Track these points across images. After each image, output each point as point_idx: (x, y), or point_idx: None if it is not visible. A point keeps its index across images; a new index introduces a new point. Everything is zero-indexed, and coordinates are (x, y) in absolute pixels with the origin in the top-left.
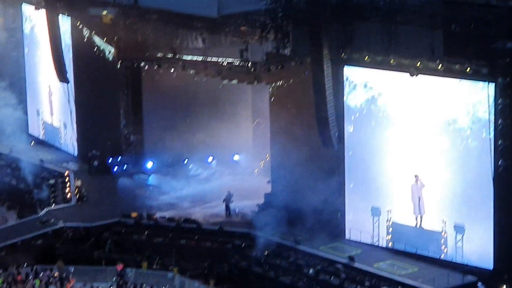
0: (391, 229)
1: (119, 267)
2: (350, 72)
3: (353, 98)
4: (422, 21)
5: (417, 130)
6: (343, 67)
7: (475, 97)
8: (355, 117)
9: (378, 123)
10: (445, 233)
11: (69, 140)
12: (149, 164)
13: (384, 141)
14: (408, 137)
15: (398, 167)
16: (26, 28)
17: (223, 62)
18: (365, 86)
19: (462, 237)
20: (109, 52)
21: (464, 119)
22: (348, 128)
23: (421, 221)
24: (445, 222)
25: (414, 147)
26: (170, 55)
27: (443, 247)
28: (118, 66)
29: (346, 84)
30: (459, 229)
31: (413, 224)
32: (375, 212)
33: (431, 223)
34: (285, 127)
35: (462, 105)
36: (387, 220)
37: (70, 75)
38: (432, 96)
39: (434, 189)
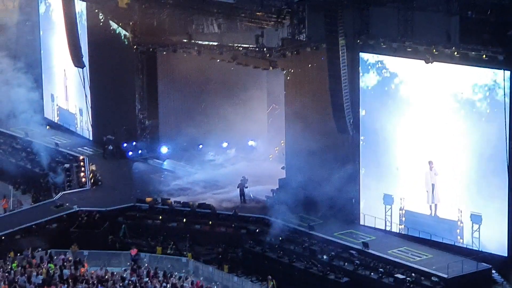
0: (404, 218)
1: (133, 251)
2: (365, 56)
3: (366, 81)
4: (438, 7)
5: (432, 116)
6: (359, 53)
7: (492, 82)
8: (368, 101)
9: (392, 108)
10: (461, 222)
11: (84, 125)
12: (164, 149)
13: (398, 127)
14: (422, 123)
15: (413, 153)
16: (42, 11)
17: (238, 47)
18: (379, 69)
19: (479, 227)
20: (125, 36)
21: (481, 104)
22: (361, 112)
23: (435, 209)
24: (461, 211)
25: (429, 133)
26: (185, 40)
27: (458, 237)
28: (134, 50)
29: (360, 68)
30: (476, 218)
31: (428, 213)
32: (388, 200)
33: (445, 212)
34: (300, 113)
35: (479, 90)
36: (400, 209)
37: (85, 59)
38: (447, 80)
39: (449, 176)
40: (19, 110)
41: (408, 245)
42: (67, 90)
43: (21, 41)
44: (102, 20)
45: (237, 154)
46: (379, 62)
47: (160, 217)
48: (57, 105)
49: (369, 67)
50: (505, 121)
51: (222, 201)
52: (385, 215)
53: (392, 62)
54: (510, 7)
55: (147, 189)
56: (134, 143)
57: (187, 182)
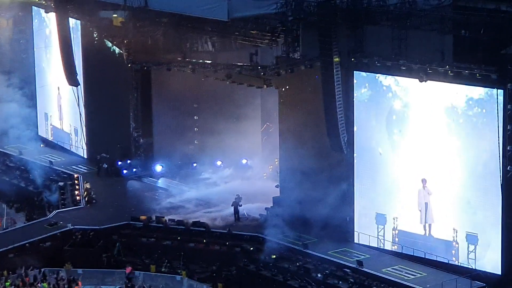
0: (397, 238)
1: (128, 270)
2: (359, 75)
3: (360, 98)
4: (432, 26)
5: (426, 134)
6: (353, 71)
7: (486, 100)
8: (362, 118)
9: (386, 125)
10: (456, 243)
11: (78, 143)
12: (158, 167)
13: (392, 145)
14: (416, 141)
15: (406, 171)
16: (36, 30)
17: (232, 65)
18: (374, 87)
19: (475, 247)
20: (119, 55)
21: (475, 122)
22: (354, 129)
23: (429, 229)
24: (456, 231)
25: (423, 151)
26: (180, 58)
27: (453, 258)
28: (128, 69)
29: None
30: (471, 238)
31: (422, 233)
32: (380, 219)
33: (440, 231)
34: (294, 131)
35: (472, 108)
36: (394, 229)
37: (80, 77)
38: (441, 98)
39: (443, 194)
40: (13, 128)
41: (402, 264)
42: (61, 109)
43: (15, 59)
44: (96, 38)
45: (232, 173)
46: (373, 78)
47: (155, 235)
48: (51, 124)
49: (364, 83)
50: (498, 139)
51: (215, 219)
52: (378, 234)
53: (387, 79)
54: (503, 26)
55: (141, 207)
56: (128, 161)
57: (180, 200)
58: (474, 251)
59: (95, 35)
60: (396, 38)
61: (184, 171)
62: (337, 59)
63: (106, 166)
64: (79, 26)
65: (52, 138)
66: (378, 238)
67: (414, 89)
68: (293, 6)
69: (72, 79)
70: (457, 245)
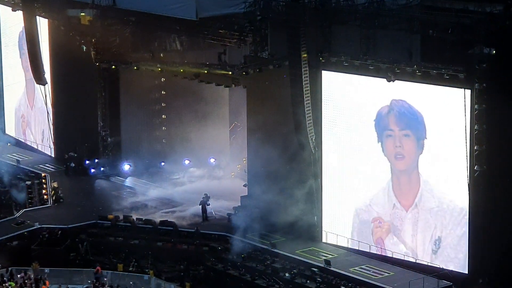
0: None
1: (96, 269)
2: (328, 75)
3: (328, 99)
4: (400, 26)
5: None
6: (321, 71)
7: (452, 102)
8: (330, 119)
9: (354, 124)
10: (423, 242)
11: (46, 142)
12: (126, 166)
13: (360, 144)
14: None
15: (374, 170)
16: (4, 28)
17: (201, 64)
18: (341, 86)
19: (442, 247)
20: (87, 53)
21: (442, 123)
22: (322, 128)
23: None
24: (423, 231)
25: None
26: (148, 57)
27: (421, 258)
28: (96, 68)
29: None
30: (438, 238)
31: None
32: (350, 217)
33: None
34: (262, 130)
35: (440, 108)
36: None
37: (48, 76)
38: (408, 98)
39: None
40: None
41: (370, 263)
42: (28, 108)
43: None
44: (64, 37)
45: (199, 172)
46: (341, 78)
47: (122, 234)
48: (20, 121)
49: (332, 82)
50: (465, 140)
51: (184, 218)
52: (345, 231)
53: (355, 78)
54: (471, 26)
55: (109, 206)
56: (96, 160)
57: (145, 200)
58: (441, 250)
59: (63, 34)
60: (364, 38)
61: (152, 170)
62: (305, 55)
63: (73, 165)
64: (47, 25)
65: (19, 137)
66: (345, 237)
67: (382, 88)
68: (261, 6)
69: (39, 78)
70: (424, 245)
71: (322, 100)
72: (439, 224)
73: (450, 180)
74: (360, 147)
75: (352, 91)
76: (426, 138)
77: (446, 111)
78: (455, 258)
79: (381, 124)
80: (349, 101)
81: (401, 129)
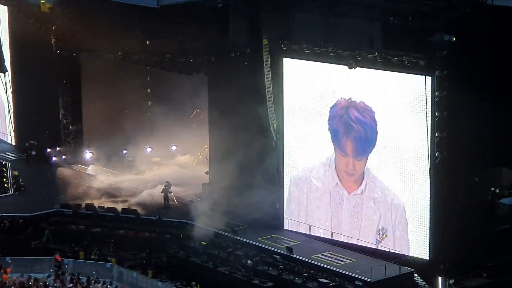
0: (327, 223)
1: (57, 257)
2: (289, 63)
3: (290, 87)
4: (361, 13)
5: None
6: (283, 58)
7: (413, 89)
8: (292, 107)
9: (317, 111)
10: (385, 229)
11: (6, 130)
12: (88, 155)
13: (322, 131)
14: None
15: (337, 157)
16: None
17: (162, 53)
18: (303, 73)
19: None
20: (48, 41)
21: (404, 110)
22: (284, 116)
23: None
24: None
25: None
26: (109, 45)
27: (382, 244)
28: (57, 55)
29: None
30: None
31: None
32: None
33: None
34: (224, 118)
35: (402, 95)
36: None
37: (8, 64)
38: (370, 87)
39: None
40: None
41: (332, 250)
42: None
43: None
44: (25, 25)
45: (160, 159)
46: (302, 65)
47: (84, 222)
48: None
49: (293, 69)
50: (427, 127)
51: (146, 205)
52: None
53: (317, 65)
54: (432, 14)
55: (70, 194)
56: (57, 148)
57: (112, 187)
58: (402, 236)
59: (23, 22)
60: (325, 25)
61: (114, 158)
62: (266, 42)
63: (34, 153)
64: (6, 12)
65: None
66: (308, 224)
67: (345, 76)
68: None
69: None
70: (386, 231)
71: (284, 87)
72: (388, 213)
73: (400, 169)
74: (319, 135)
75: (313, 78)
76: (377, 133)
77: (406, 99)
78: (417, 244)
79: (337, 137)
80: (310, 89)
81: (355, 156)
